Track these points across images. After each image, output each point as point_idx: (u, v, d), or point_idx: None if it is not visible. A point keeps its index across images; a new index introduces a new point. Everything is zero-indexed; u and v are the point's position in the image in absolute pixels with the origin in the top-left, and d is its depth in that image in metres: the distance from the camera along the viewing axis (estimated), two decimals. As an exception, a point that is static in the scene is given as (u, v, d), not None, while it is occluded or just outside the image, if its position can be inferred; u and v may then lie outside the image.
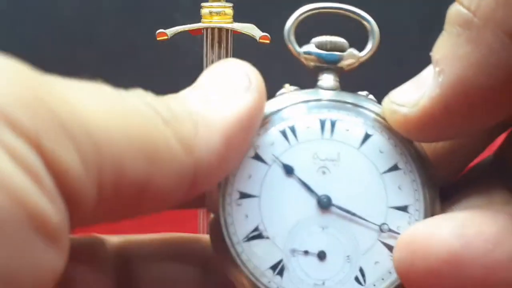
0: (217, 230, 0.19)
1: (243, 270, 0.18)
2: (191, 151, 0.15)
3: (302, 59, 0.20)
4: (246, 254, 0.18)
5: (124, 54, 0.64)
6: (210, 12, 0.44)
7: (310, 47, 0.20)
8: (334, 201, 0.18)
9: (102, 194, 0.14)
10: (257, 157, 0.19)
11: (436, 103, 0.16)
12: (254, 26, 0.44)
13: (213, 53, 0.45)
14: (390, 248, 0.18)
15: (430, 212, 0.19)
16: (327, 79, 0.20)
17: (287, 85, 0.20)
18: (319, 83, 0.20)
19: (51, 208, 0.12)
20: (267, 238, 0.18)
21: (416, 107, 0.17)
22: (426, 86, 0.17)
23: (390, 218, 0.19)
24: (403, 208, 0.19)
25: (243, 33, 0.44)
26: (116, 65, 0.62)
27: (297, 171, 0.19)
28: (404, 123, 0.18)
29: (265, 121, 0.19)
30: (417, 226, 0.17)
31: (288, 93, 0.20)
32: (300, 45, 0.20)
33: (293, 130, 0.19)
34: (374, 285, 0.18)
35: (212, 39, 0.45)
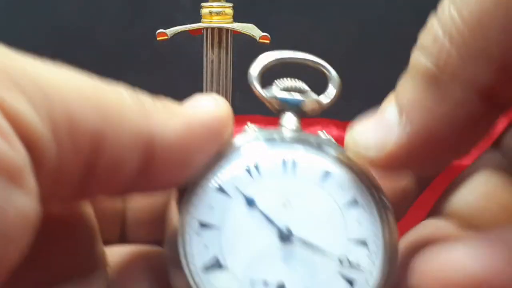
0: (174, 260, 0.19)
1: None
2: (147, 116, 0.16)
3: (267, 103, 0.21)
4: (204, 285, 0.18)
5: (124, 54, 0.64)
6: (210, 12, 0.44)
7: (275, 91, 0.21)
8: (294, 233, 0.19)
9: (58, 141, 0.14)
10: (220, 190, 0.19)
11: (403, 150, 0.17)
12: (254, 26, 0.44)
13: (213, 53, 0.45)
14: (349, 281, 0.19)
15: (388, 245, 0.19)
16: (290, 121, 0.21)
17: (249, 124, 0.21)
18: (282, 123, 0.21)
19: (9, 149, 0.13)
20: (226, 269, 0.19)
21: (383, 152, 0.17)
22: (393, 133, 0.17)
23: (350, 251, 0.19)
24: (363, 242, 0.19)
25: (243, 33, 0.44)
26: (116, 65, 0.62)
27: (259, 203, 0.19)
28: (369, 163, 0.19)
29: (230, 156, 0.19)
30: (438, 259, 0.17)
31: (253, 131, 0.20)
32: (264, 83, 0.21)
33: (256, 167, 0.19)
34: None
35: (212, 39, 0.45)
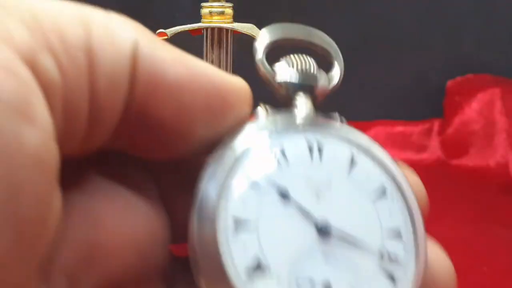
0: (208, 262, 0.17)
1: None
2: (137, 36, 0.16)
3: (275, 87, 0.19)
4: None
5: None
6: (210, 12, 0.44)
7: (285, 72, 0.19)
8: (333, 226, 0.18)
9: (59, 63, 0.13)
10: (251, 181, 0.17)
11: None
12: (254, 26, 0.44)
13: (213, 53, 0.45)
14: (390, 276, 0.18)
15: (419, 235, 0.18)
16: (305, 104, 0.19)
17: (262, 105, 0.19)
18: (297, 107, 0.19)
19: (14, 79, 0.12)
20: (269, 269, 0.17)
21: None
22: None
23: (387, 243, 0.18)
24: (397, 233, 0.18)
25: (243, 33, 0.44)
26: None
27: (293, 195, 0.17)
28: None
29: (252, 142, 0.18)
30: None
31: (269, 115, 0.19)
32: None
33: (283, 154, 0.18)
34: None
35: (212, 39, 0.45)
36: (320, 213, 0.17)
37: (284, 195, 0.17)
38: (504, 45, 0.78)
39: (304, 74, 0.19)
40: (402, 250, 0.18)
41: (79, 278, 0.16)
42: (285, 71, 0.19)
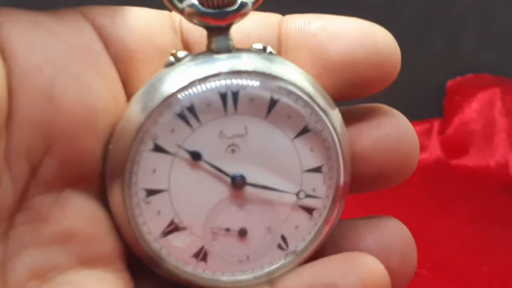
0: (129, 232, 0.18)
1: (166, 266, 0.18)
2: None
3: (186, 17, 0.18)
4: (166, 248, 0.18)
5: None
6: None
7: (193, 3, 0.17)
8: (248, 179, 0.18)
9: None
10: (158, 149, 0.17)
11: None
12: None
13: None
14: (308, 210, 0.18)
15: (342, 166, 0.18)
16: (220, 41, 0.18)
17: (174, 51, 0.18)
18: (210, 45, 0.18)
19: None
20: (184, 229, 0.18)
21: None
22: None
23: (305, 183, 0.18)
24: (317, 169, 0.18)
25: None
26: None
27: (205, 155, 0.17)
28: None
29: (160, 107, 0.17)
30: None
31: (179, 66, 0.18)
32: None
33: (192, 111, 0.17)
34: (296, 247, 0.19)
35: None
36: (234, 168, 0.18)
37: (195, 157, 0.17)
38: (504, 45, 0.78)
39: (215, 5, 0.18)
40: (321, 183, 0.18)
41: (39, 161, 0.16)
42: (193, 2, 0.18)
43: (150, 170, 0.17)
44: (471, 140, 0.71)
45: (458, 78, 0.76)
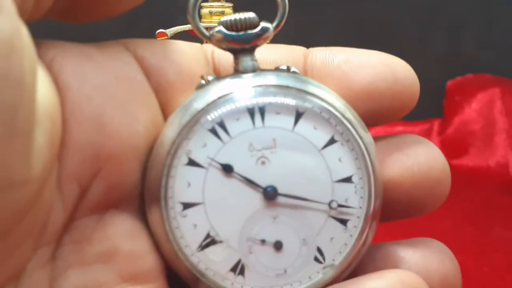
0: (167, 247, 0.18)
1: (204, 281, 0.18)
2: None
3: (214, 43, 0.19)
4: (203, 263, 0.18)
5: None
6: (210, 12, 0.44)
7: (220, 29, 0.19)
8: (280, 190, 0.18)
9: None
10: (192, 163, 0.18)
11: None
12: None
13: (213, 53, 0.45)
14: (342, 221, 0.19)
15: (373, 176, 0.19)
16: (245, 62, 0.19)
17: (204, 75, 0.19)
18: (237, 66, 0.19)
19: None
20: (221, 242, 0.18)
21: None
22: None
23: (337, 193, 0.18)
24: (348, 180, 0.19)
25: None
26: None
27: (237, 168, 0.18)
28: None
29: (191, 123, 0.18)
30: None
31: (208, 86, 0.19)
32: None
33: (222, 126, 0.18)
34: (333, 260, 0.19)
35: (212, 39, 0.45)
36: (265, 179, 0.18)
37: (227, 170, 0.18)
38: (504, 45, 0.78)
39: (239, 28, 0.19)
40: (353, 193, 0.19)
41: (89, 184, 0.17)
42: (219, 27, 0.19)
43: (185, 184, 0.18)
44: (471, 140, 0.71)
45: (458, 78, 0.76)
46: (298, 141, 0.18)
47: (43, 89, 0.16)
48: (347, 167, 0.19)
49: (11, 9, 0.13)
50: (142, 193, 0.19)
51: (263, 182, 0.18)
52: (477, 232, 0.54)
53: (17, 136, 0.14)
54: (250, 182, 0.18)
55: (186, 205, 0.18)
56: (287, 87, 0.18)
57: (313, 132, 0.18)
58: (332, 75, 0.19)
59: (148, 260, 0.18)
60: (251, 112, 0.18)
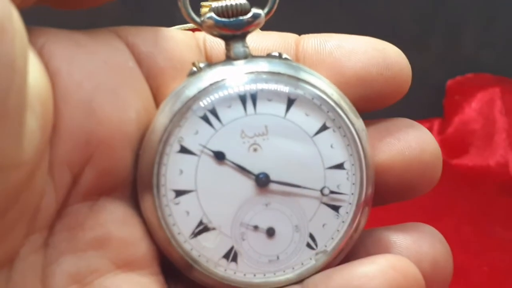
0: (160, 234, 0.18)
1: (197, 268, 0.18)
2: None
3: (205, 29, 0.19)
4: (196, 250, 0.18)
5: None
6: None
7: (211, 15, 0.19)
8: (272, 177, 0.18)
9: None
10: (184, 150, 0.18)
11: None
12: None
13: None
14: (334, 207, 0.19)
15: (364, 162, 0.19)
16: (236, 48, 0.19)
17: (195, 62, 0.19)
18: (229, 53, 0.19)
19: None
20: (214, 229, 0.18)
21: None
22: None
23: (329, 180, 0.18)
24: (339, 166, 0.19)
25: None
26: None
27: (229, 155, 0.18)
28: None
29: (183, 110, 0.18)
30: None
31: (200, 73, 0.19)
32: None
33: (214, 113, 0.18)
34: (326, 246, 0.19)
35: (212, 39, 0.45)
36: (258, 166, 0.18)
37: (219, 158, 0.18)
38: (504, 45, 0.78)
39: (231, 14, 0.19)
40: (345, 179, 0.19)
41: (81, 170, 0.17)
42: (211, 14, 0.19)
43: (177, 171, 0.18)
44: (471, 140, 0.71)
45: (458, 78, 0.76)
46: (290, 128, 0.18)
47: (34, 74, 0.16)
48: (339, 154, 0.19)
49: None
50: (135, 180, 0.19)
51: (255, 169, 0.18)
52: (477, 232, 0.54)
53: (9, 119, 0.14)
54: (242, 169, 0.18)
55: (179, 193, 0.18)
56: (278, 73, 0.18)
57: (305, 119, 0.18)
58: (324, 62, 0.19)
59: (141, 247, 0.18)
60: (242, 99, 0.18)
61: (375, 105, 0.20)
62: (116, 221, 0.18)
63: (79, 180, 0.17)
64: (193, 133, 0.18)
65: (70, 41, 0.18)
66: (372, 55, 0.19)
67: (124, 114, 0.18)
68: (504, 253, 0.50)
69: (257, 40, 0.20)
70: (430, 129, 0.74)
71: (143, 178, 0.18)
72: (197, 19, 0.19)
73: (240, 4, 0.19)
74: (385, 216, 0.55)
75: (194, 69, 0.19)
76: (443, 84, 0.76)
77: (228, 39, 0.19)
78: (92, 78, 0.17)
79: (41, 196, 0.16)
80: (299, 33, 0.21)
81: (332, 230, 0.19)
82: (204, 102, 0.18)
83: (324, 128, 0.18)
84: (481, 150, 0.70)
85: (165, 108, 0.18)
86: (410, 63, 0.20)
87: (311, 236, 0.19)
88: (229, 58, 0.19)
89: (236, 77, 0.18)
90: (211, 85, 0.18)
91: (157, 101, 0.19)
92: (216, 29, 0.19)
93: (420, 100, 0.79)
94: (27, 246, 0.17)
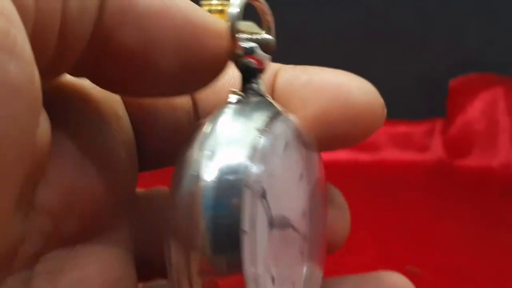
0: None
1: None
2: None
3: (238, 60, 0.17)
4: None
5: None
6: (210, 11, 0.44)
7: (253, 47, 0.17)
8: (289, 220, 0.17)
9: None
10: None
11: None
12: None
13: (212, 52, 0.45)
14: (300, 252, 0.18)
15: (314, 212, 0.18)
16: (262, 84, 0.18)
17: (234, 91, 0.17)
18: (259, 87, 0.18)
19: None
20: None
21: None
22: None
23: (301, 223, 0.18)
24: (304, 212, 0.18)
25: (243, 32, 0.44)
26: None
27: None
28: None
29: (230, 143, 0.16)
30: None
31: (242, 106, 0.17)
32: None
33: (255, 150, 0.16)
34: None
35: (212, 38, 0.45)
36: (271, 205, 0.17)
37: (263, 197, 0.16)
38: (507, 44, 0.77)
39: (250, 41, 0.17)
40: (308, 226, 0.18)
41: (62, 219, 0.17)
42: (254, 45, 0.17)
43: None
44: (474, 140, 0.70)
45: (461, 78, 0.76)
46: (286, 168, 0.18)
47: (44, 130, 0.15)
48: (305, 202, 0.18)
49: (28, 56, 0.13)
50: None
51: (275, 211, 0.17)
52: (480, 233, 0.53)
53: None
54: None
55: None
56: (275, 114, 0.17)
57: (294, 162, 0.18)
58: (292, 101, 0.19)
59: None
60: (274, 144, 0.17)
61: (339, 145, 0.19)
62: (95, 264, 0.18)
63: (60, 226, 0.17)
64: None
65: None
66: (335, 94, 0.18)
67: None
68: (506, 254, 0.50)
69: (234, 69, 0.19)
70: (433, 129, 0.74)
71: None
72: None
73: (271, 40, 0.18)
74: (387, 216, 0.54)
75: (231, 100, 0.17)
76: (446, 84, 0.76)
77: (259, 74, 0.18)
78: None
79: (20, 241, 0.16)
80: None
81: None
82: (244, 139, 0.16)
83: (301, 177, 0.18)
84: (484, 150, 0.69)
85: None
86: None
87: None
88: (266, 96, 0.18)
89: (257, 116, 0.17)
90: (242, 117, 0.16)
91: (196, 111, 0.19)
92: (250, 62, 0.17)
93: (422, 100, 0.79)
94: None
